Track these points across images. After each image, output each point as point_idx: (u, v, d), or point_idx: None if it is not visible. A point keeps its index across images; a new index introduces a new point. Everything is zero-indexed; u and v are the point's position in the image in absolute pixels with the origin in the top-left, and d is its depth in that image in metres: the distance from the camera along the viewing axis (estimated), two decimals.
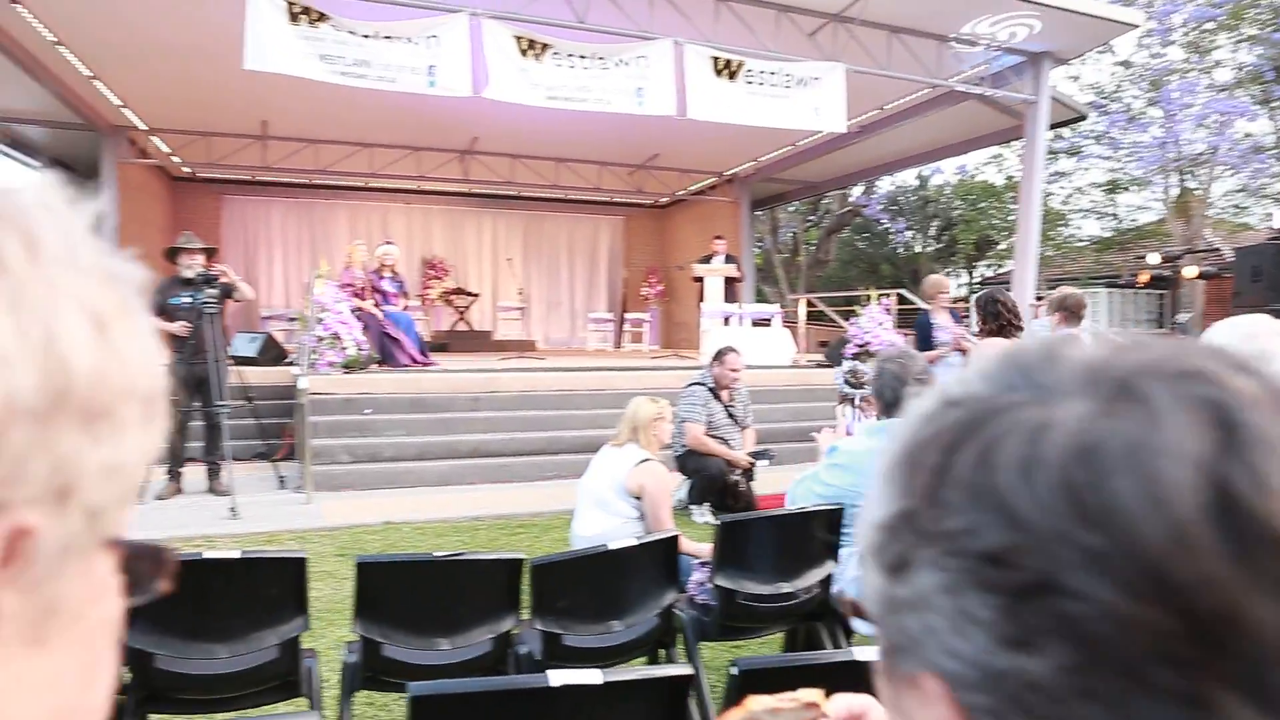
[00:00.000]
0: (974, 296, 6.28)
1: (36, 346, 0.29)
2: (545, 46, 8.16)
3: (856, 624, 3.79)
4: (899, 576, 0.39)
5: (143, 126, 12.55)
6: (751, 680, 1.73)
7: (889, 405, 3.02)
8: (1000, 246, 28.63)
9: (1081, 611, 0.33)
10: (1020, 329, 5.62)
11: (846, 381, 6.27)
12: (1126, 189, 23.56)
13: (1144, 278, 18.87)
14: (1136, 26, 10.75)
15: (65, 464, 0.30)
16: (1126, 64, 20.50)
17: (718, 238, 12.72)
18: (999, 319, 5.46)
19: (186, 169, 14.65)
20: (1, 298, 0.29)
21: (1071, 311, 5.71)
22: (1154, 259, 18.09)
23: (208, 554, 2.57)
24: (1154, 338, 0.40)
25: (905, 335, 12.09)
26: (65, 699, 0.34)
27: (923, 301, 7.35)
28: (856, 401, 6.22)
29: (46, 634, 0.32)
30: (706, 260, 12.26)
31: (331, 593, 4.64)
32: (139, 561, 0.37)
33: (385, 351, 9.63)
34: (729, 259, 12.25)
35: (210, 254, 6.98)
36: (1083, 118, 13.44)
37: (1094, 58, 19.44)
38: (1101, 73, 22.24)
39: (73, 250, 0.33)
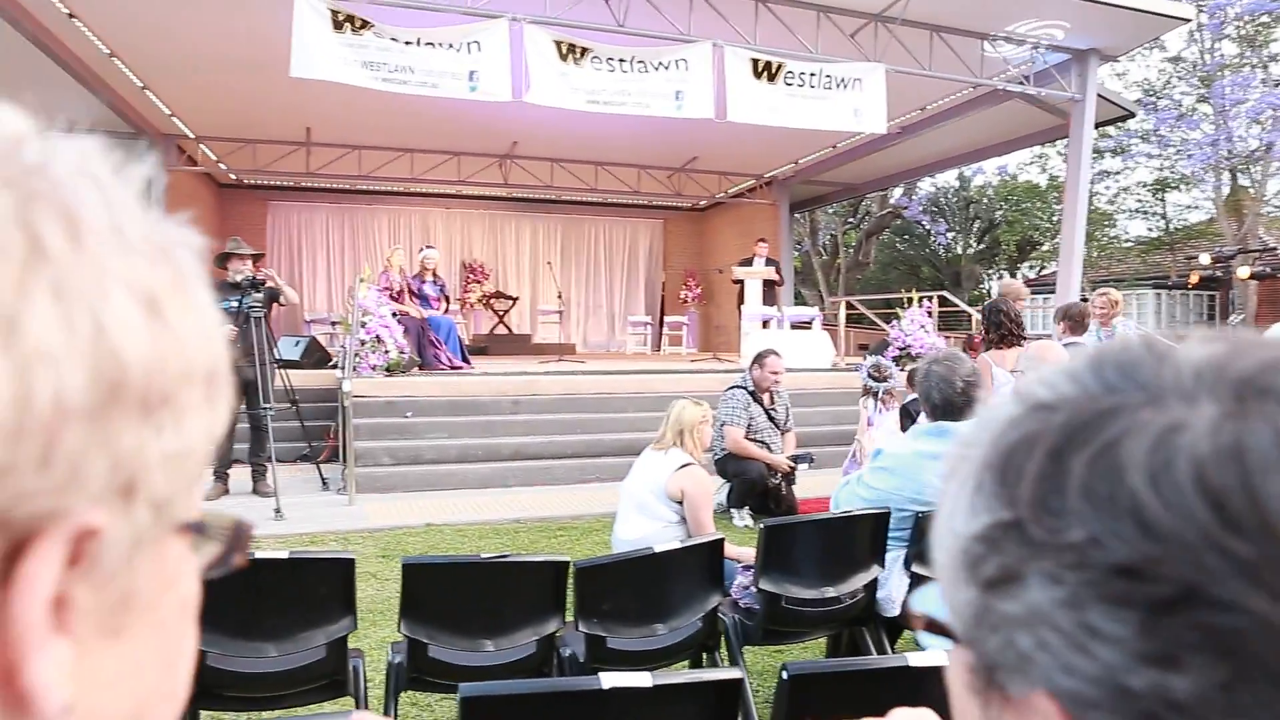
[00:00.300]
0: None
1: (84, 340, 0.27)
2: (585, 50, 8.19)
3: (923, 636, 3.75)
4: (1004, 591, 0.36)
5: (191, 135, 12.83)
6: (802, 685, 1.71)
7: (936, 407, 2.98)
8: (1043, 248, 28.17)
9: (1233, 624, 0.31)
10: (1023, 338, 5.69)
11: (869, 375, 6.39)
12: (1176, 188, 23.07)
13: (1194, 278, 18.47)
14: (1188, 21, 10.51)
15: (126, 460, 0.29)
16: (1177, 59, 20.08)
17: (760, 240, 12.68)
18: (1000, 328, 5.57)
19: (233, 175, 14.94)
20: (43, 289, 0.27)
21: (1076, 321, 5.90)
22: (1205, 259, 17.71)
23: (257, 554, 2.61)
24: (1258, 336, 0.38)
25: (947, 338, 11.94)
26: (145, 685, 0.33)
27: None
28: (879, 395, 6.30)
29: (122, 624, 0.31)
30: (747, 263, 12.22)
31: (374, 593, 4.68)
32: (213, 540, 0.36)
33: (424, 355, 9.72)
34: (769, 262, 12.20)
35: (256, 259, 7.11)
36: (1130, 115, 13.18)
37: (1142, 54, 19.06)
38: (1150, 69, 21.77)
39: (119, 225, 0.30)
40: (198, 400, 0.32)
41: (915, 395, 6.74)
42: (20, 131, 0.30)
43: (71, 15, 8.39)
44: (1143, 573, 0.32)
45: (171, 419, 0.31)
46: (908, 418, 6.36)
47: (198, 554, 0.36)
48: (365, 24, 7.57)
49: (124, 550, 0.30)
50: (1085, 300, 7.52)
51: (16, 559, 0.27)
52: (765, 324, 11.41)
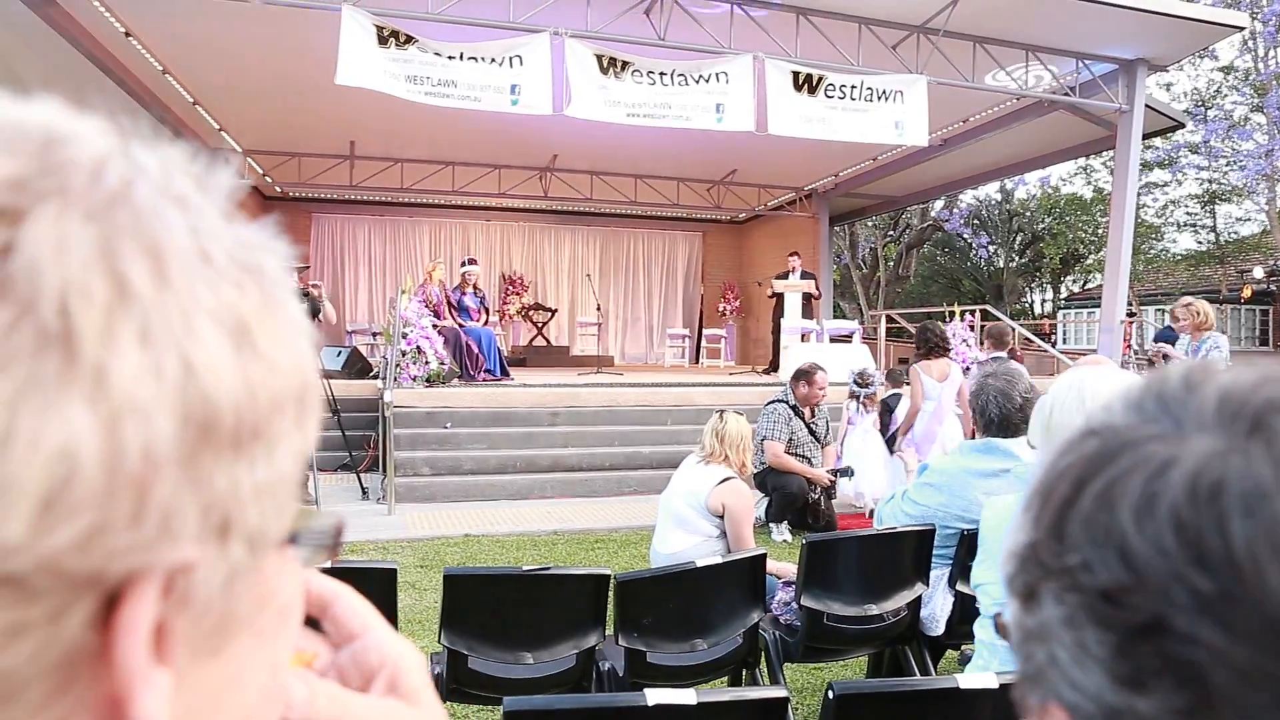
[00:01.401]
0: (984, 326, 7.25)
1: (173, 384, 0.26)
2: (625, 64, 8.23)
3: (939, 648, 3.67)
4: (1028, 607, 0.39)
5: (239, 149, 13.10)
6: (848, 705, 1.68)
7: (991, 422, 2.91)
8: (1088, 261, 27.69)
9: (1192, 655, 0.32)
10: (947, 351, 6.65)
11: (855, 381, 6.98)
12: (1227, 200, 22.56)
13: (1247, 292, 18.02)
14: (1241, 29, 10.29)
15: (219, 502, 0.28)
16: (1228, 69, 19.67)
17: (792, 254, 12.61)
18: (929, 343, 6.53)
19: (278, 188, 15.22)
20: (130, 333, 0.25)
21: (996, 339, 6.61)
22: (1258, 273, 17.26)
23: None
24: None
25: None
26: (249, 693, 0.33)
27: (1173, 322, 7.34)
28: (861, 398, 6.89)
29: (220, 644, 0.31)
30: (783, 277, 12.16)
31: (413, 603, 4.71)
32: (309, 545, 0.36)
33: (463, 366, 9.80)
34: (806, 275, 12.13)
35: (301, 271, 7.23)
36: (1180, 125, 12.92)
37: (1190, 63, 18.69)
38: (1199, 79, 21.33)
39: (205, 250, 0.28)
40: (289, 426, 0.31)
41: (894, 391, 7.21)
42: (102, 151, 0.28)
43: (128, 34, 8.62)
44: (1120, 599, 0.34)
45: (264, 451, 0.29)
46: (887, 411, 7.19)
47: (295, 559, 0.35)
48: (410, 39, 7.68)
49: (219, 585, 0.29)
50: (1132, 315, 7.44)
51: (114, 606, 0.26)
52: (804, 337, 11.34)
